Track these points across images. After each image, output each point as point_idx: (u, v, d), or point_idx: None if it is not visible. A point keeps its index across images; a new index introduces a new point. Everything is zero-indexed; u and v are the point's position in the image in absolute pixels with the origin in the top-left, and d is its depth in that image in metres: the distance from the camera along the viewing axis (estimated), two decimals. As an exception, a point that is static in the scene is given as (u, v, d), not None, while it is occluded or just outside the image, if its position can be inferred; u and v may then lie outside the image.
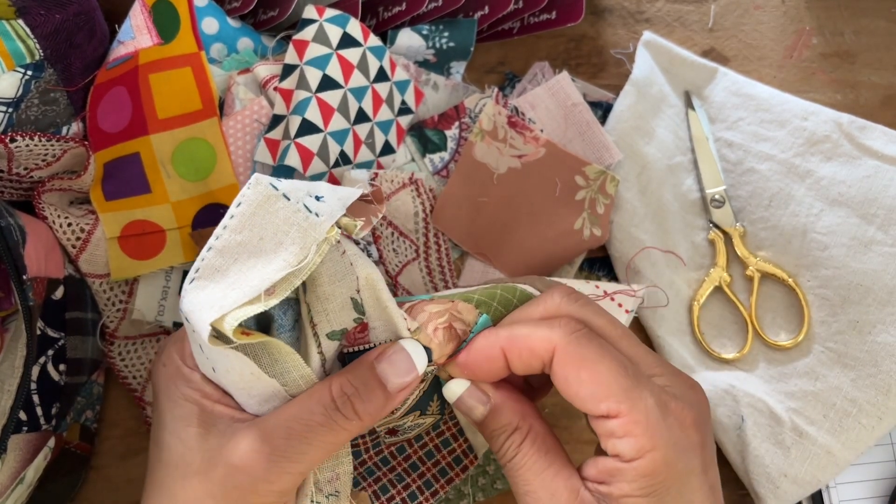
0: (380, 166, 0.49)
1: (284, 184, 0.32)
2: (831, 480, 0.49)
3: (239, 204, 0.32)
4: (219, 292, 0.30)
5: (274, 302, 0.30)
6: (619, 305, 0.45)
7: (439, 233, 0.49)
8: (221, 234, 0.31)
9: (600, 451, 0.33)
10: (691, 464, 0.31)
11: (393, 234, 0.48)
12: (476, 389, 0.35)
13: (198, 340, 0.31)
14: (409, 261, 0.48)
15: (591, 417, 0.32)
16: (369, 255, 0.47)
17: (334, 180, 0.46)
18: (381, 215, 0.34)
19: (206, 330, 0.29)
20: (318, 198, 0.32)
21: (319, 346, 0.34)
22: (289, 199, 0.31)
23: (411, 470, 0.42)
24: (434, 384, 0.37)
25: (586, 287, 0.44)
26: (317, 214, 0.31)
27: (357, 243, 0.45)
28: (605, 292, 0.44)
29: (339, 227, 0.32)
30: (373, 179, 0.45)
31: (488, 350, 0.34)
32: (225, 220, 0.32)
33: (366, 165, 0.48)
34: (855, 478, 0.50)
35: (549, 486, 0.32)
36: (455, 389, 0.35)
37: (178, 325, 0.45)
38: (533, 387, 0.39)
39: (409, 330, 0.35)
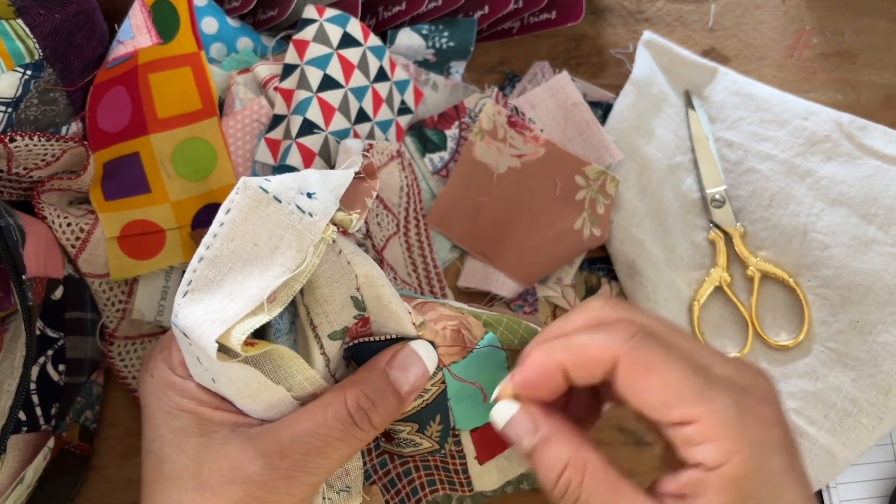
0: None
1: (274, 183, 0.31)
2: (832, 480, 0.49)
3: (228, 210, 0.30)
4: (217, 304, 0.29)
5: (277, 310, 0.29)
6: None
7: (419, 207, 0.49)
8: (212, 244, 0.30)
9: (672, 464, 0.30)
10: (780, 462, 0.28)
11: (378, 206, 0.47)
12: (525, 417, 0.31)
13: (195, 353, 0.31)
14: (391, 235, 0.47)
15: (665, 426, 0.29)
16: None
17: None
18: (374, 195, 0.33)
19: (212, 347, 0.28)
20: (309, 195, 0.31)
21: (322, 347, 0.33)
22: (280, 202, 0.30)
23: (404, 476, 0.42)
24: (439, 407, 0.37)
25: None
26: (310, 214, 0.30)
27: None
28: None
29: (335, 224, 0.31)
30: (367, 150, 0.43)
31: (547, 363, 0.31)
32: (214, 228, 0.30)
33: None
34: (855, 478, 0.49)
35: None
36: (504, 413, 0.32)
37: (177, 325, 0.45)
38: (579, 417, 0.36)
39: (413, 325, 0.34)
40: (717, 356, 0.31)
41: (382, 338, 0.34)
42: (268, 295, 0.29)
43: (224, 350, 0.29)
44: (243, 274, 0.30)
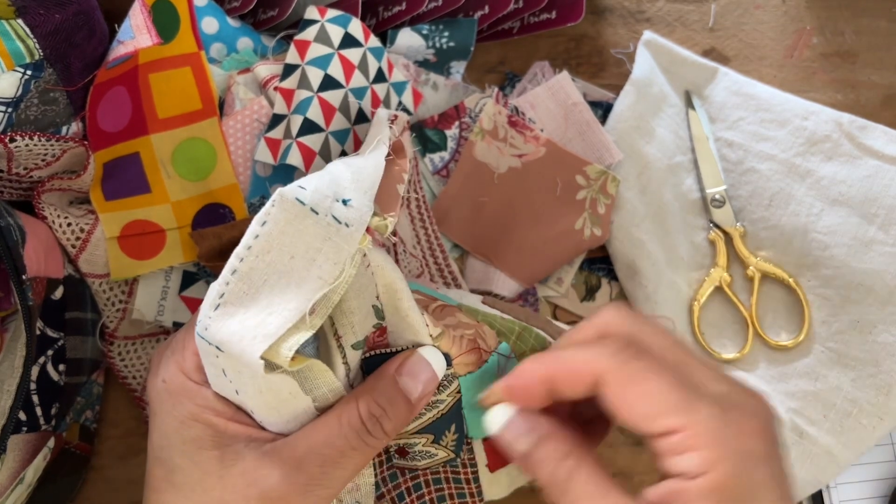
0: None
1: (309, 192, 0.30)
2: (832, 481, 0.49)
3: (264, 223, 0.30)
4: (253, 318, 0.29)
5: (319, 322, 0.29)
6: None
7: (416, 179, 0.49)
8: (246, 256, 0.29)
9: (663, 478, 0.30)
10: (763, 473, 0.28)
11: None
12: (521, 421, 0.32)
13: (221, 365, 0.30)
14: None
15: (651, 438, 0.30)
16: None
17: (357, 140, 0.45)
18: (406, 178, 0.33)
19: (257, 363, 0.28)
20: (345, 202, 0.31)
21: (344, 357, 0.33)
22: (317, 213, 0.30)
23: (414, 490, 0.42)
24: (454, 416, 0.36)
25: None
26: (347, 225, 0.30)
27: None
28: None
29: (370, 231, 0.31)
30: (392, 120, 0.42)
31: (532, 374, 0.32)
32: (248, 241, 0.30)
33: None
34: (855, 478, 0.49)
35: None
36: (498, 419, 0.33)
37: (177, 325, 0.45)
38: (589, 432, 0.37)
39: (430, 336, 0.34)
40: (713, 374, 0.31)
41: (397, 349, 0.34)
42: (309, 307, 0.29)
43: (268, 365, 0.28)
44: (280, 287, 0.29)
